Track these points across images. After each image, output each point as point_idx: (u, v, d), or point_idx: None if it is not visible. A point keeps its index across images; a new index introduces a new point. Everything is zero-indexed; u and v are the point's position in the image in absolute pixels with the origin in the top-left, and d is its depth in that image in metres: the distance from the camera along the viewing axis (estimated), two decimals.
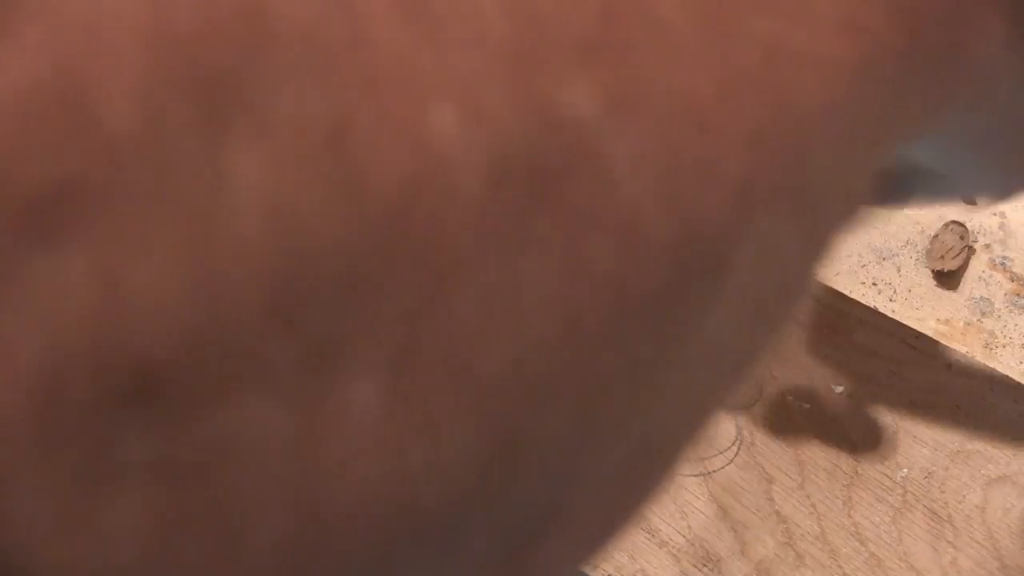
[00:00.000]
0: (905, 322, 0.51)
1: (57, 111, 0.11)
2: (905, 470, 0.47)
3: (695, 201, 0.14)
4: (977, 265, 0.54)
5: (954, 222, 0.55)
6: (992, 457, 0.47)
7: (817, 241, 0.17)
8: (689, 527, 0.45)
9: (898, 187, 0.31)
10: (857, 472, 0.47)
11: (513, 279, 0.13)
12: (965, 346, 0.52)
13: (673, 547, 0.45)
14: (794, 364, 0.49)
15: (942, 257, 0.54)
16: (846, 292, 0.52)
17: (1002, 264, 0.54)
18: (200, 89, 0.12)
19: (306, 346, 0.12)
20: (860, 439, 0.47)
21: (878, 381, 0.49)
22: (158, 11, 0.12)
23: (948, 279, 0.54)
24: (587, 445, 0.14)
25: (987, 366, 0.50)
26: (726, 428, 0.48)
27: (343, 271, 0.12)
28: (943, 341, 0.51)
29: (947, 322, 0.53)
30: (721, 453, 0.47)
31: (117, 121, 0.11)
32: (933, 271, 0.54)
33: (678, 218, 0.14)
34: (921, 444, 0.47)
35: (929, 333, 0.51)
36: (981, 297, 0.54)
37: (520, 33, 0.14)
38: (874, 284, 0.54)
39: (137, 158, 0.12)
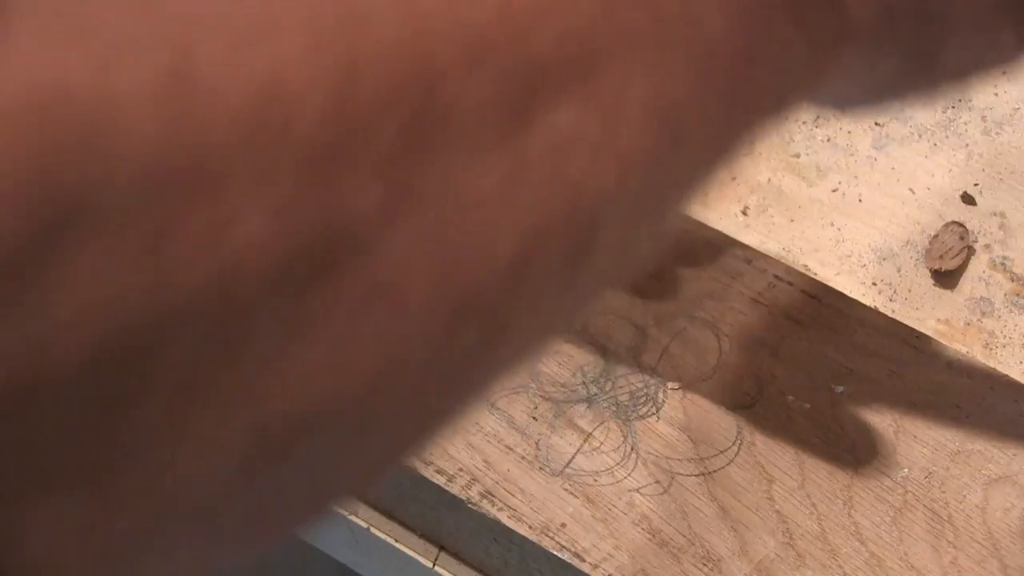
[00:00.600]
0: (905, 322, 0.51)
1: None
2: (905, 470, 0.47)
3: (465, 278, 0.17)
4: (977, 265, 0.54)
5: (954, 222, 0.55)
6: (992, 457, 0.47)
7: (603, 281, 0.20)
8: (689, 527, 0.45)
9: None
10: (857, 472, 0.47)
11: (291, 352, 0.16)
12: (965, 346, 0.52)
13: (673, 547, 0.45)
14: (794, 364, 0.49)
15: (941, 257, 0.54)
16: (846, 292, 0.52)
17: (1002, 264, 0.54)
18: None
19: None
20: (860, 439, 0.47)
21: (878, 381, 0.49)
22: None
23: (947, 279, 0.54)
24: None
25: (987, 366, 0.49)
26: (726, 428, 0.48)
27: None
28: (943, 341, 0.51)
29: (947, 322, 0.53)
30: (721, 453, 0.47)
31: None
32: (932, 271, 0.54)
33: (448, 293, 0.17)
34: (921, 444, 0.47)
35: (929, 333, 0.51)
36: (981, 297, 0.54)
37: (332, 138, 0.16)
38: (874, 284, 0.54)
39: None
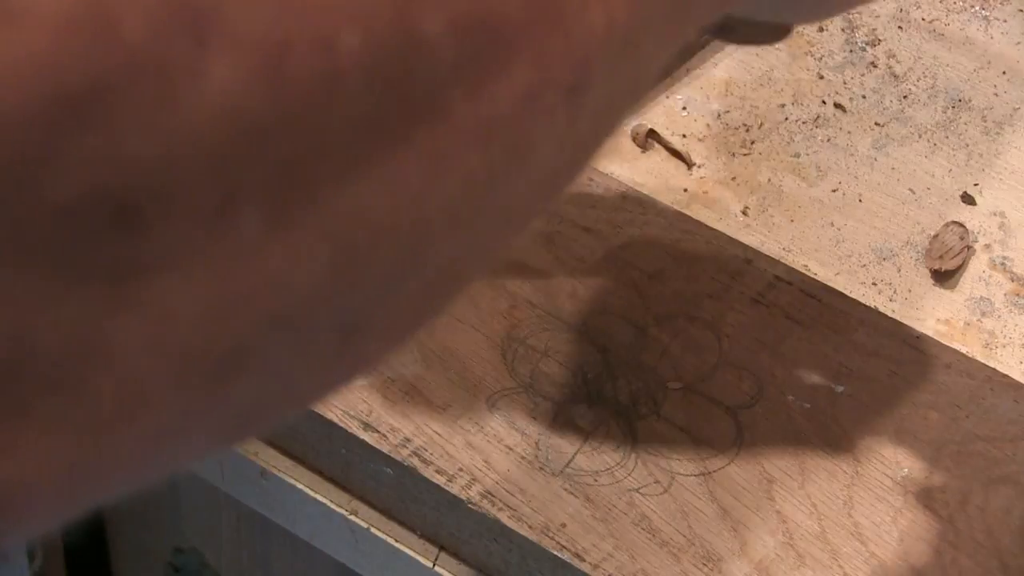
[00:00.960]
0: (905, 322, 0.51)
1: None
2: (905, 470, 0.47)
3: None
4: (977, 265, 0.54)
5: (954, 222, 0.55)
6: (992, 457, 0.47)
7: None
8: (689, 527, 0.45)
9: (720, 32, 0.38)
10: (857, 472, 0.47)
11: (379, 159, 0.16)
12: (965, 346, 0.52)
13: (673, 547, 0.45)
14: (794, 364, 0.49)
15: (941, 257, 0.54)
16: (846, 292, 0.52)
17: (1002, 264, 0.54)
18: None
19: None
20: (860, 439, 0.47)
21: (878, 381, 0.49)
22: None
23: (946, 279, 0.54)
24: (402, 271, 0.18)
25: (987, 366, 0.49)
26: (726, 428, 0.48)
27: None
28: (943, 341, 0.51)
29: (947, 322, 0.53)
30: (721, 453, 0.47)
31: None
32: (931, 271, 0.54)
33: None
34: (921, 444, 0.47)
35: (929, 333, 0.51)
36: (981, 297, 0.54)
37: None
38: (874, 284, 0.54)
39: None
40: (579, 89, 0.18)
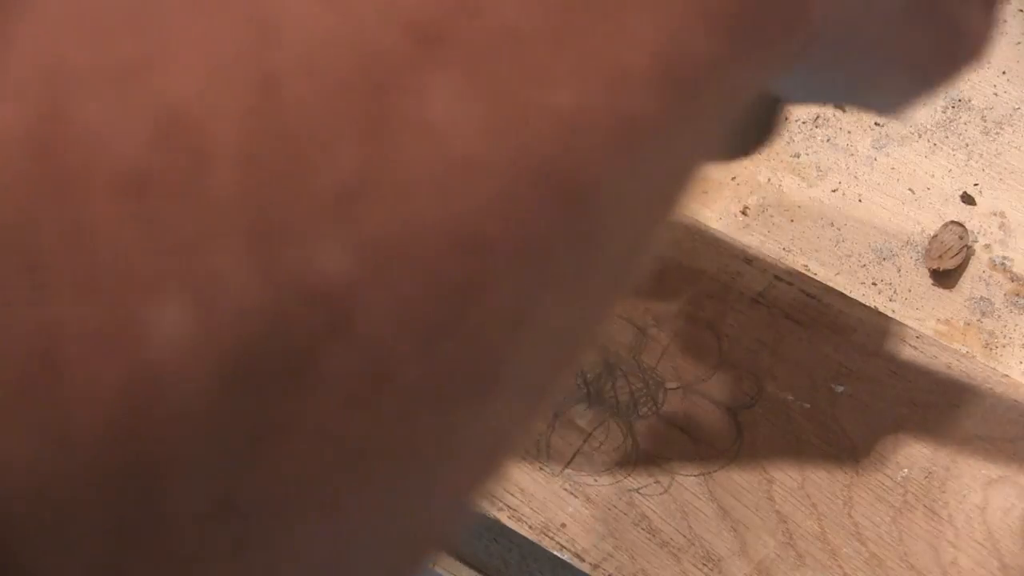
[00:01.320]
0: (905, 322, 0.51)
1: None
2: (905, 470, 0.47)
3: (452, 333, 0.14)
4: (977, 265, 0.54)
5: (953, 222, 0.55)
6: (992, 457, 0.47)
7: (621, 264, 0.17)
8: (689, 527, 0.45)
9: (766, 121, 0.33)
10: (857, 472, 0.47)
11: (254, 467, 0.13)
12: (965, 346, 0.52)
13: (673, 547, 0.45)
14: (794, 364, 0.49)
15: (940, 256, 0.54)
16: (846, 292, 0.52)
17: (1002, 264, 0.54)
18: None
19: None
20: (860, 439, 0.47)
21: (878, 381, 0.49)
22: None
23: (945, 278, 0.54)
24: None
25: (987, 366, 0.49)
26: (726, 428, 0.48)
27: (52, 512, 0.12)
28: (943, 341, 0.51)
29: (947, 322, 0.53)
30: (721, 453, 0.47)
31: None
32: (930, 270, 0.54)
33: (430, 359, 0.14)
34: (921, 444, 0.47)
35: (929, 333, 0.51)
36: (981, 297, 0.53)
37: (260, 197, 0.12)
38: (874, 284, 0.54)
39: None
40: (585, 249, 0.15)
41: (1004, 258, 0.55)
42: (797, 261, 0.54)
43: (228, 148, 0.12)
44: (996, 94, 0.60)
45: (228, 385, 0.12)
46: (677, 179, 0.17)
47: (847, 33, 0.22)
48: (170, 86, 0.12)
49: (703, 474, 0.47)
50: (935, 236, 0.55)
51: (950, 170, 0.57)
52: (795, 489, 0.46)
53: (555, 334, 0.16)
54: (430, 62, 0.13)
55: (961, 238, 0.54)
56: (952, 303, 0.53)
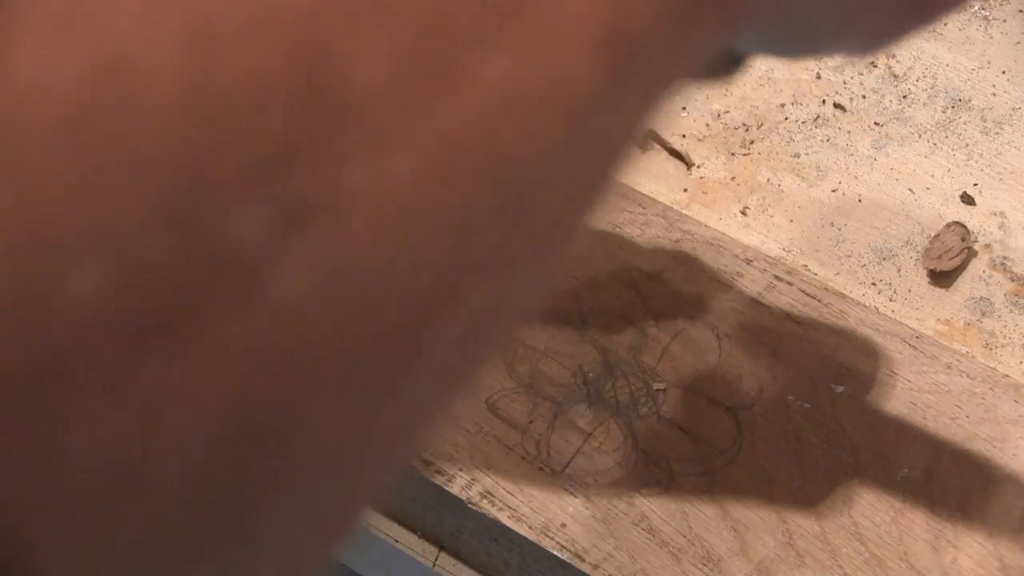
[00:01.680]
0: (905, 322, 0.51)
1: None
2: (905, 470, 0.47)
3: (373, 308, 0.14)
4: (977, 265, 0.54)
5: (956, 223, 0.55)
6: (992, 457, 0.47)
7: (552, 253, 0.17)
8: (689, 527, 0.45)
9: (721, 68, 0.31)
10: (857, 472, 0.47)
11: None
12: (965, 346, 0.52)
13: (673, 547, 0.45)
14: (794, 364, 0.49)
15: (939, 257, 0.54)
16: (846, 292, 0.52)
17: (1002, 264, 0.54)
18: None
19: None
20: (860, 439, 0.47)
21: (878, 381, 0.49)
22: None
23: (942, 278, 0.54)
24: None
25: (987, 366, 0.49)
26: (726, 428, 0.48)
27: None
28: (943, 341, 0.51)
29: (947, 322, 0.53)
30: (721, 453, 0.47)
31: None
32: (928, 270, 0.54)
33: (344, 332, 0.14)
34: (921, 444, 0.47)
35: (929, 333, 0.51)
36: (981, 297, 0.53)
37: (185, 152, 0.12)
38: (874, 284, 0.54)
39: None
40: (521, 243, 0.15)
41: (1004, 258, 0.55)
42: (797, 261, 0.54)
43: (160, 99, 0.12)
44: (996, 94, 0.60)
45: (131, 342, 0.12)
46: (615, 153, 0.17)
47: None
48: (108, 32, 0.12)
49: (703, 474, 0.47)
50: (937, 236, 0.55)
51: (950, 170, 0.57)
52: (795, 489, 0.46)
53: (480, 312, 0.15)
54: (364, 25, 0.13)
55: (963, 240, 0.54)
56: (952, 303, 0.53)
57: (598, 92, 0.15)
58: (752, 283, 0.51)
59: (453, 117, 0.14)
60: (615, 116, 0.16)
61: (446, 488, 0.46)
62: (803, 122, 0.59)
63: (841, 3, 0.24)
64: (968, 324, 0.53)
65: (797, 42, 0.25)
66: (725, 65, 0.33)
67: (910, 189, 0.57)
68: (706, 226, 0.53)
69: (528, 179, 0.14)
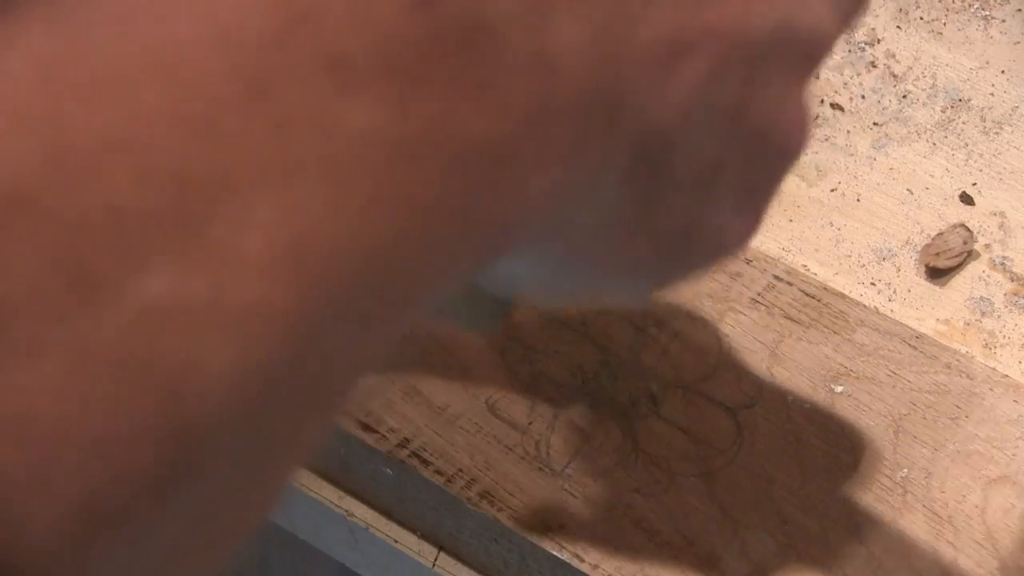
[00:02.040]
0: (905, 322, 0.51)
1: None
2: (905, 470, 0.47)
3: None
4: (977, 265, 0.54)
5: (961, 225, 0.55)
6: (992, 457, 0.47)
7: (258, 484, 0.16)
8: (689, 527, 0.45)
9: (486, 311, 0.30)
10: (857, 472, 0.47)
11: None
12: (965, 346, 0.52)
13: (673, 547, 0.45)
14: (794, 364, 0.49)
15: (937, 254, 0.54)
16: (846, 292, 0.52)
17: (1002, 264, 0.54)
18: None
19: None
20: (860, 439, 0.47)
21: (878, 381, 0.49)
22: None
23: (938, 275, 0.54)
24: None
25: (987, 366, 0.49)
26: (726, 428, 0.48)
27: None
28: (943, 341, 0.51)
29: (947, 322, 0.53)
30: (721, 453, 0.47)
31: None
32: (926, 266, 0.54)
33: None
34: (921, 444, 0.47)
35: (929, 333, 0.51)
36: (981, 297, 0.53)
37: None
38: (874, 284, 0.54)
39: None
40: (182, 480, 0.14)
41: (1004, 258, 0.55)
42: (797, 261, 0.54)
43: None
44: (995, 94, 0.60)
45: None
46: (323, 381, 0.16)
47: (555, 239, 0.21)
48: None
49: (703, 474, 0.46)
50: (940, 234, 0.55)
51: (949, 170, 0.57)
52: (795, 489, 0.46)
53: (178, 544, 0.15)
54: (9, 235, 0.13)
55: (965, 243, 0.54)
56: (952, 303, 0.53)
57: (279, 311, 0.14)
58: (751, 283, 0.51)
59: (98, 331, 0.13)
60: (314, 338, 0.15)
61: (446, 488, 0.46)
62: None
63: (602, 237, 0.23)
64: (968, 324, 0.53)
65: (564, 280, 0.25)
66: (492, 313, 0.31)
67: (909, 189, 0.57)
68: None
69: (193, 400, 0.14)
